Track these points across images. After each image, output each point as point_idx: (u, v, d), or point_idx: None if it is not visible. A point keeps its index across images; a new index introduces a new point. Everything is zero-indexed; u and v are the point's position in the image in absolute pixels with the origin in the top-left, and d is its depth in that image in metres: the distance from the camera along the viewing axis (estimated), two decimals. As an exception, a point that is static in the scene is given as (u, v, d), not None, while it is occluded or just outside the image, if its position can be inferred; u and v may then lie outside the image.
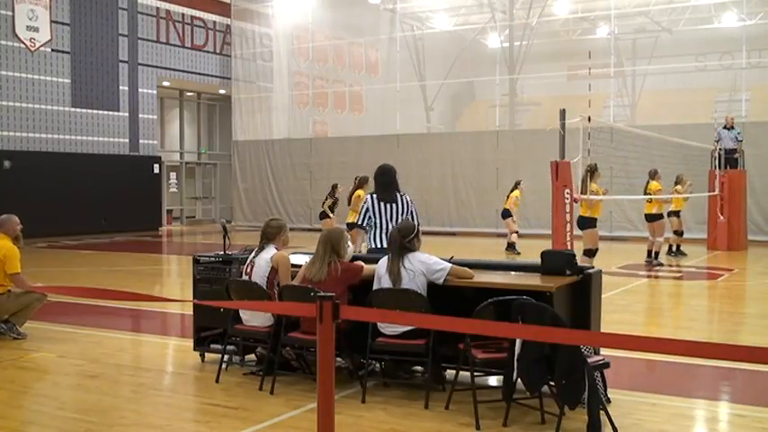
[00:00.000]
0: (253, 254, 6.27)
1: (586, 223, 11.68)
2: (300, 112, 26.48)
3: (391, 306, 5.38)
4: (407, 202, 7.03)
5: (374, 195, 7.09)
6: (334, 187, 16.31)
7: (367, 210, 7.02)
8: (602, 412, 4.70)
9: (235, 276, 6.44)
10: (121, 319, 9.10)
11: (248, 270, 6.15)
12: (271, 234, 6.24)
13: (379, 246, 6.88)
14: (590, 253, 11.45)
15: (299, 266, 6.09)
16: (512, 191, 16.60)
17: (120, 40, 22.58)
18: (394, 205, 6.98)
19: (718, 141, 17.57)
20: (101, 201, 21.32)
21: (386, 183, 7.10)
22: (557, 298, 5.21)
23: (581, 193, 11.54)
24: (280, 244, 6.23)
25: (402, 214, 6.96)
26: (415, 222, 6.88)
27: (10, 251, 7.56)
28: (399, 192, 7.10)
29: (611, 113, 23.11)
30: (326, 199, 16.23)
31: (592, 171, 11.71)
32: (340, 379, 5.70)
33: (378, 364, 6.02)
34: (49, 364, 6.80)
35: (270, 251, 6.15)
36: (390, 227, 6.86)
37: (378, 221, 6.98)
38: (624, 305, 9.75)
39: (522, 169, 20.12)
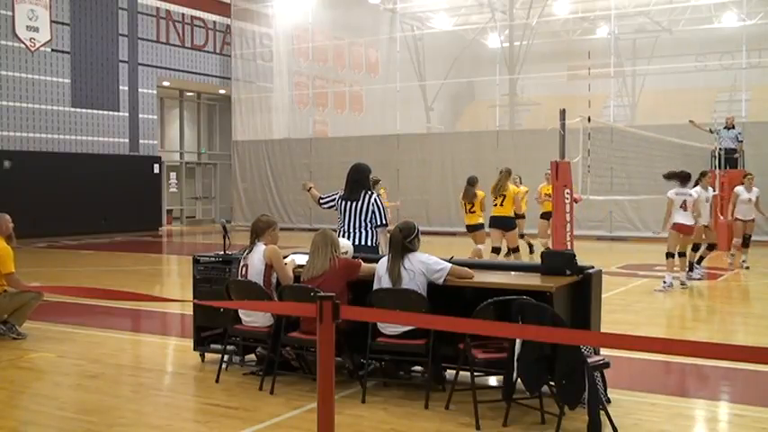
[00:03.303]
0: (244, 253, 6.26)
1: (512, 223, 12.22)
2: (300, 112, 26.48)
3: (391, 306, 5.38)
4: (370, 201, 7.04)
5: (341, 194, 7.24)
6: (374, 184, 15.40)
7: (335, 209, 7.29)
8: (602, 412, 4.70)
9: (235, 276, 6.43)
10: (121, 319, 9.09)
11: (243, 272, 6.14)
12: (260, 230, 6.24)
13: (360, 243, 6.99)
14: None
15: (300, 267, 6.10)
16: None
17: (120, 40, 22.58)
18: (356, 203, 7.05)
19: (715, 133, 17.61)
20: (101, 201, 21.32)
21: (352, 182, 7.19)
22: (557, 298, 5.21)
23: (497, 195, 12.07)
24: (269, 240, 6.22)
25: (362, 213, 7.02)
26: (379, 220, 6.96)
27: (3, 251, 7.51)
28: (369, 191, 7.15)
29: (611, 113, 23.13)
30: None
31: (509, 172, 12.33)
32: (340, 379, 5.70)
33: (378, 364, 6.02)
34: (49, 364, 6.80)
35: (260, 248, 6.14)
36: (352, 225, 7.01)
37: (342, 219, 7.12)
38: (624, 305, 9.75)
39: (523, 169, 20.12)
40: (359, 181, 7.15)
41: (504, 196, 12.11)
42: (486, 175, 21.40)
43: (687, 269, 11.36)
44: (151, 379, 6.30)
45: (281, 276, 6.06)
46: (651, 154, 18.37)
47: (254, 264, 6.09)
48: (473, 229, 12.51)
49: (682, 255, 11.21)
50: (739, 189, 13.39)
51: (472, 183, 12.42)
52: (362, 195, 7.06)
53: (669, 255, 11.18)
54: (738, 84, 21.78)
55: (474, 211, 12.38)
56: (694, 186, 11.51)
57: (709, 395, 5.88)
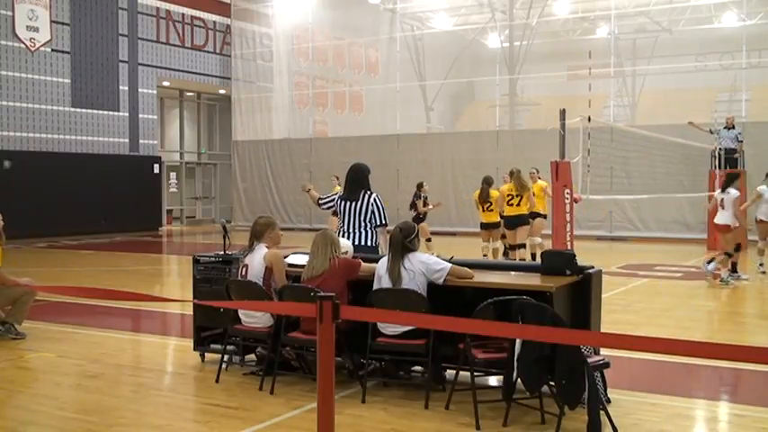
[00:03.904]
0: (244, 254, 6.25)
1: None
2: (300, 112, 26.49)
3: (391, 306, 5.38)
4: (369, 202, 7.01)
5: (340, 194, 7.23)
6: (420, 186, 14.87)
7: (335, 209, 7.26)
8: (602, 412, 4.70)
9: (235, 276, 6.42)
10: (121, 319, 9.09)
11: (243, 273, 6.13)
12: (258, 232, 6.22)
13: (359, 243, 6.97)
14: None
15: (300, 267, 6.09)
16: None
17: (120, 40, 22.58)
18: (356, 203, 7.03)
19: (716, 134, 17.60)
20: (101, 201, 21.33)
21: (351, 182, 7.17)
22: (557, 298, 5.21)
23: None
24: (269, 242, 6.21)
25: (361, 213, 7.01)
26: (379, 221, 6.96)
27: None
28: (368, 191, 7.11)
29: (611, 113, 23.12)
30: (415, 200, 14.68)
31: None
32: (340, 379, 5.70)
33: (378, 364, 6.02)
34: (49, 364, 6.79)
35: (261, 250, 6.13)
36: (352, 225, 7.00)
37: (342, 219, 7.10)
38: (624, 305, 9.75)
39: (523, 169, 20.14)
40: (357, 181, 7.14)
41: (522, 196, 12.69)
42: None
43: (729, 268, 11.60)
44: (151, 379, 6.29)
45: (278, 280, 6.05)
46: (651, 154, 18.39)
47: (254, 265, 6.08)
48: (493, 227, 13.18)
49: (726, 254, 11.52)
50: (762, 188, 12.91)
51: (490, 183, 13.21)
52: (362, 195, 7.04)
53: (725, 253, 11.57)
54: (738, 84, 21.78)
55: (492, 210, 13.08)
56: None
57: (709, 395, 5.87)
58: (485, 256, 13.16)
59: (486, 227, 13.27)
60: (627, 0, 24.08)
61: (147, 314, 9.49)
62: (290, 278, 6.15)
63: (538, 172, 13.59)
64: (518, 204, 12.67)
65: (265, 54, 26.38)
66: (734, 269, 11.97)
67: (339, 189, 15.92)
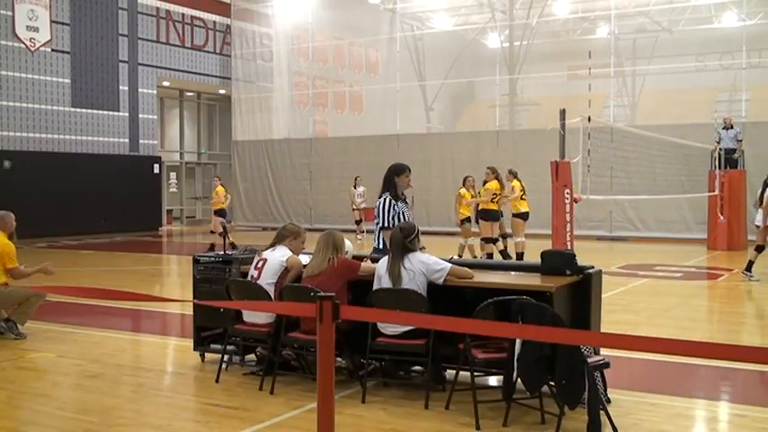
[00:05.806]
0: (263, 250, 6.28)
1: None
2: (300, 112, 26.48)
3: (391, 306, 5.38)
4: (378, 204, 6.88)
5: None
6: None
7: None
8: (602, 412, 4.70)
9: (235, 276, 6.43)
10: (121, 319, 9.10)
11: (258, 265, 6.15)
12: (281, 236, 6.30)
13: (375, 245, 6.94)
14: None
15: (303, 267, 6.11)
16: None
17: (120, 40, 22.58)
18: (376, 206, 6.98)
19: (719, 143, 17.57)
20: (101, 201, 21.33)
21: (383, 184, 7.08)
22: (557, 298, 5.21)
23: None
24: (291, 247, 6.24)
25: (377, 215, 6.92)
26: (382, 223, 6.88)
27: (7, 247, 7.69)
28: (384, 192, 6.95)
29: (611, 113, 23.12)
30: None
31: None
32: (340, 379, 5.70)
33: (378, 364, 6.02)
34: (49, 364, 6.80)
35: (283, 251, 6.16)
36: (376, 226, 6.92)
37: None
38: (624, 305, 9.75)
39: (523, 169, 20.15)
40: (383, 182, 6.99)
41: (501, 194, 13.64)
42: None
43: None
44: (151, 379, 6.29)
45: (287, 281, 6.07)
46: (651, 154, 18.39)
47: (273, 262, 6.09)
48: (464, 222, 13.98)
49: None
50: None
51: (463, 182, 14.20)
52: (380, 198, 6.99)
53: None
54: (738, 84, 21.77)
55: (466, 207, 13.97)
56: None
57: (709, 395, 5.87)
58: (459, 255, 13.09)
59: (463, 222, 14.09)
60: (627, 0, 24.07)
61: (147, 314, 9.49)
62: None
63: (495, 172, 13.87)
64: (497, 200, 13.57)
65: (265, 54, 26.38)
66: (748, 268, 11.82)
67: (222, 190, 16.68)
